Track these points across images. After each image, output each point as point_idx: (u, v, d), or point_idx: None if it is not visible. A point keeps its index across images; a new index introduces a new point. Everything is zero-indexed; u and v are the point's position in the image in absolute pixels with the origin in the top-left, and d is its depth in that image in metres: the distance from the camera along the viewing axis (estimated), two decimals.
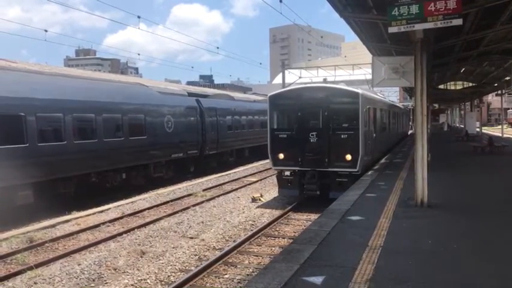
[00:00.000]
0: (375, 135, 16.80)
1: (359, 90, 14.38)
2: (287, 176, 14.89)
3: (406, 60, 10.36)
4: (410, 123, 46.13)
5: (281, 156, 14.75)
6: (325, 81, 19.70)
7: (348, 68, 43.23)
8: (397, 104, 36.14)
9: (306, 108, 14.65)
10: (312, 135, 14.25)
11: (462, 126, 44.98)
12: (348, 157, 13.80)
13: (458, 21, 8.03)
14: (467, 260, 6.09)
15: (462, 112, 50.97)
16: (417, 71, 9.32)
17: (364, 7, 11.19)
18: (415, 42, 9.20)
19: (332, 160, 14.05)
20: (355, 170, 13.84)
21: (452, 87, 35.98)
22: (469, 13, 11.08)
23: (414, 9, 8.23)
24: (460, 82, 34.43)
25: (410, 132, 43.85)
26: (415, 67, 9.36)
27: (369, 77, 21.53)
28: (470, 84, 33.09)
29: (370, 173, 14.99)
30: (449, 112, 63.10)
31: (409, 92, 35.51)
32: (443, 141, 31.58)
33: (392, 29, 8.56)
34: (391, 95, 51.05)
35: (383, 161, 19.37)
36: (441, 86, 32.99)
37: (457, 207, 9.65)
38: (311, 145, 14.28)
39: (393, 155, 22.20)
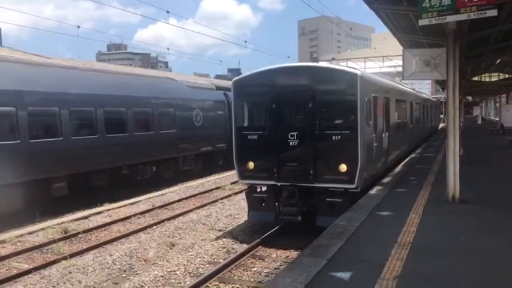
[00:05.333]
0: (387, 133, 13.05)
1: (357, 71, 10.50)
2: (260, 193, 11.28)
3: (438, 52, 10.09)
4: (442, 116, 45.01)
5: (251, 165, 10.95)
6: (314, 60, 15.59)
7: (378, 60, 42.55)
8: (424, 94, 33.00)
9: (283, 98, 10.71)
10: (291, 136, 10.45)
11: (497, 119, 43.58)
12: (343, 167, 9.98)
13: (493, 12, 7.76)
14: (501, 258, 5.93)
15: (497, 104, 49.37)
16: (449, 63, 9.08)
17: None
18: (448, 34, 8.97)
19: (320, 172, 10.23)
20: (352, 186, 10.01)
21: (487, 79, 34.81)
22: (505, 2, 10.68)
23: (446, 0, 8.00)
24: (496, 74, 33.29)
25: (441, 125, 42.84)
26: (447, 59, 9.12)
27: (400, 69, 20.90)
28: (506, 76, 31.95)
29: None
30: (483, 105, 61.25)
31: (441, 84, 34.62)
32: (476, 134, 30.70)
33: (423, 22, 8.36)
34: (423, 87, 49.96)
35: (413, 155, 18.98)
36: (475, 78, 31.99)
37: (491, 202, 9.38)
38: (291, 150, 10.51)
39: (424, 149, 21.76)
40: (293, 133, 10.47)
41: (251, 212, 11.32)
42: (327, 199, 10.27)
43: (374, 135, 11.35)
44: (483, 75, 33.02)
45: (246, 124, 11.52)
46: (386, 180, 12.37)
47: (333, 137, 10.19)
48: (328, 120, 10.55)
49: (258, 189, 11.35)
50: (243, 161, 11.11)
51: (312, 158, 10.30)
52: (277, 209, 10.84)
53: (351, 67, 12.42)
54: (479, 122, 51.09)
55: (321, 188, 10.36)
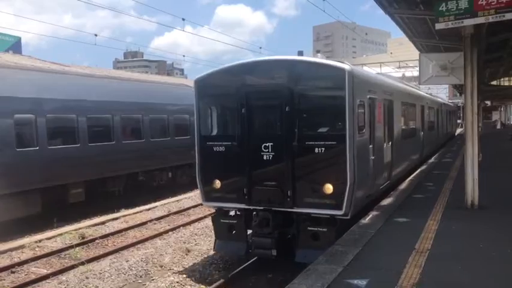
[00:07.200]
0: (390, 143, 11.14)
1: (345, 66, 8.19)
2: (229, 218, 9.19)
3: (455, 57, 10.00)
4: (459, 121, 44.32)
5: (217, 184, 8.91)
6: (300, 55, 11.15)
7: (395, 65, 42.23)
8: (439, 98, 30.60)
9: (255, 100, 8.66)
10: (265, 148, 8.38)
11: None
12: (328, 188, 7.92)
13: (511, 15, 7.63)
14: None
15: None
16: (467, 68, 8.95)
17: (411, 3, 10.85)
18: (465, 38, 8.85)
19: (300, 193, 8.19)
20: (340, 212, 7.93)
21: (506, 83, 34.26)
22: None
23: (463, 3, 7.88)
24: None
25: (459, 131, 42.19)
26: (465, 63, 8.99)
27: (416, 74, 20.59)
28: None
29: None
30: (502, 109, 60.19)
31: (458, 89, 34.18)
32: (496, 140, 30.17)
33: (439, 26, 8.25)
34: (440, 92, 49.36)
35: (431, 160, 18.71)
36: (494, 82, 31.50)
37: (510, 209, 9.18)
38: (264, 166, 8.45)
39: (442, 155, 21.45)
40: (267, 144, 8.39)
41: (218, 242, 9.29)
42: (308, 228, 8.27)
43: (370, 146, 9.31)
44: (502, 79, 32.52)
45: (211, 133, 9.45)
46: (402, 187, 12.19)
47: (316, 150, 8.12)
48: (309, 128, 8.39)
49: (231, 213, 9.29)
50: (208, 178, 9.06)
51: (290, 176, 8.22)
52: (248, 239, 8.85)
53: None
54: (499, 127, 50.23)
55: (301, 214, 8.34)
